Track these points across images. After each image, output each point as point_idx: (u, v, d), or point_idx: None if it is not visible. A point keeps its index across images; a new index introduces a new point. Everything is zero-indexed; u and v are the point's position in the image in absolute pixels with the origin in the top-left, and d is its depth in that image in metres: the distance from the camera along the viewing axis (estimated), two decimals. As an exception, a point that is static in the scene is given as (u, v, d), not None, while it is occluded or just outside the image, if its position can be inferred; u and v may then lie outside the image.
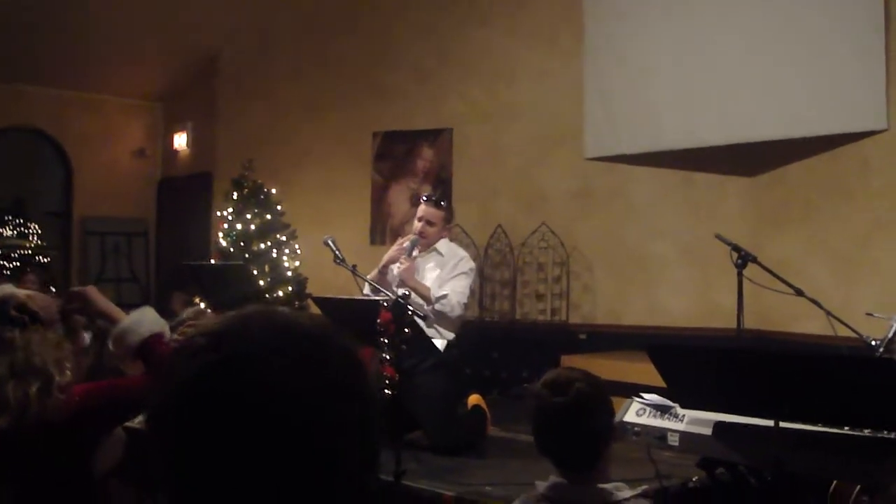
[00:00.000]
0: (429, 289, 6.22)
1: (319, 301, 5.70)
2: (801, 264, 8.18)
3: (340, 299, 5.70)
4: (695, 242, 8.61)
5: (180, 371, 1.03)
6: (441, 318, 6.22)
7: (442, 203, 6.56)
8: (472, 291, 6.60)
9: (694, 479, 5.06)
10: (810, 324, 6.94)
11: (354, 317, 5.15)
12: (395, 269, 6.25)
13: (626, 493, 2.85)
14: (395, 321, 4.72)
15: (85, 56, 11.13)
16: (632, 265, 9.27)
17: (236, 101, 11.57)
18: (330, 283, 7.92)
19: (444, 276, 6.33)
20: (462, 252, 6.61)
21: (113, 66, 11.53)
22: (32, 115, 11.84)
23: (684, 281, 8.79)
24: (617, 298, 9.35)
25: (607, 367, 8.14)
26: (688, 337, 8.49)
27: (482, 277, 9.63)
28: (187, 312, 4.73)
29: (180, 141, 12.44)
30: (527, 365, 8.84)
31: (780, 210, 8.59)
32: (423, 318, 5.18)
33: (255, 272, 8.98)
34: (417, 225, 6.41)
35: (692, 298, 8.76)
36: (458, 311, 6.23)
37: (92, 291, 3.16)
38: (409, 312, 4.84)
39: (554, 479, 2.90)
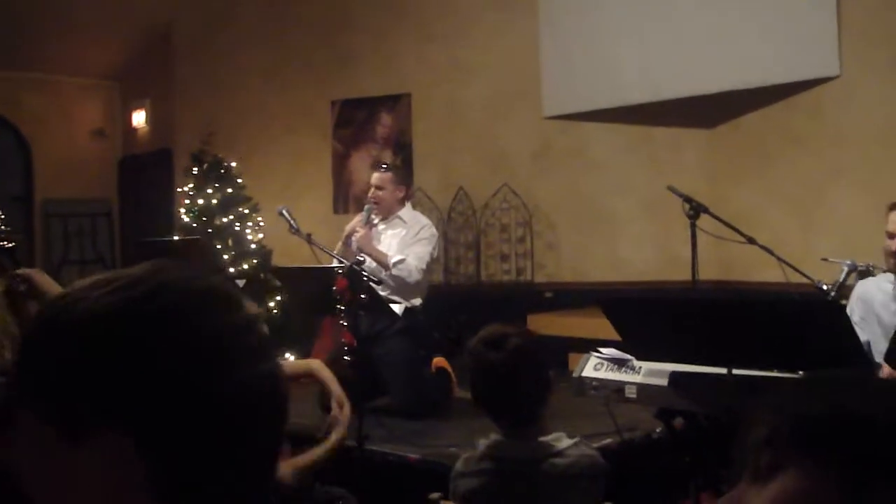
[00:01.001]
0: (386, 255, 6.29)
1: (278, 271, 5.73)
2: (760, 213, 8.24)
3: (297, 268, 5.74)
4: (655, 196, 8.61)
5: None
6: (400, 284, 6.26)
7: (385, 165, 6.65)
8: (434, 258, 6.63)
9: (658, 430, 5.12)
10: (771, 272, 6.96)
11: (312, 285, 5.17)
12: (354, 237, 6.29)
13: (566, 442, 2.86)
14: (351, 287, 4.74)
15: (37, 36, 11.00)
16: (594, 222, 9.30)
17: (193, 76, 11.47)
18: (295, 254, 7.89)
19: (405, 243, 6.38)
20: (424, 220, 6.66)
21: (66, 46, 11.40)
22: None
23: (646, 235, 8.83)
24: (580, 255, 9.39)
25: (574, 324, 8.22)
26: (642, 290, 8.55)
27: (446, 241, 9.64)
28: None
29: (139, 119, 12.33)
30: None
31: (738, 160, 8.63)
32: (378, 283, 5.19)
33: (219, 246, 8.96)
34: (370, 193, 6.52)
35: (654, 252, 8.81)
36: (415, 276, 6.28)
37: (36, 274, 3.15)
38: (365, 278, 4.84)
39: (494, 436, 2.91)
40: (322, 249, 5.51)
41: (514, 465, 2.83)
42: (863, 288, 4.66)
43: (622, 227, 9.17)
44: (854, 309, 4.59)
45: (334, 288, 4.75)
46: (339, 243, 6.32)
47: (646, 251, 8.87)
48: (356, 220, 6.38)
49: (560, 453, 2.82)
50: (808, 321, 3.42)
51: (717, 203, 8.36)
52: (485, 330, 2.99)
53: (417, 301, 6.44)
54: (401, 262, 6.24)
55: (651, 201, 8.73)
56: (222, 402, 1.01)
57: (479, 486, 2.86)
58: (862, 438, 0.96)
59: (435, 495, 2.84)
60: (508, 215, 9.60)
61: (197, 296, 1.05)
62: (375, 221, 6.47)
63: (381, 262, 6.24)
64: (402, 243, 6.39)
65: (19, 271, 3.16)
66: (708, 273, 8.15)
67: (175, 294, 1.03)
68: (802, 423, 0.99)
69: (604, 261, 9.24)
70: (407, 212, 6.57)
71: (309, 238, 5.58)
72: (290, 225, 5.70)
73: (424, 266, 6.36)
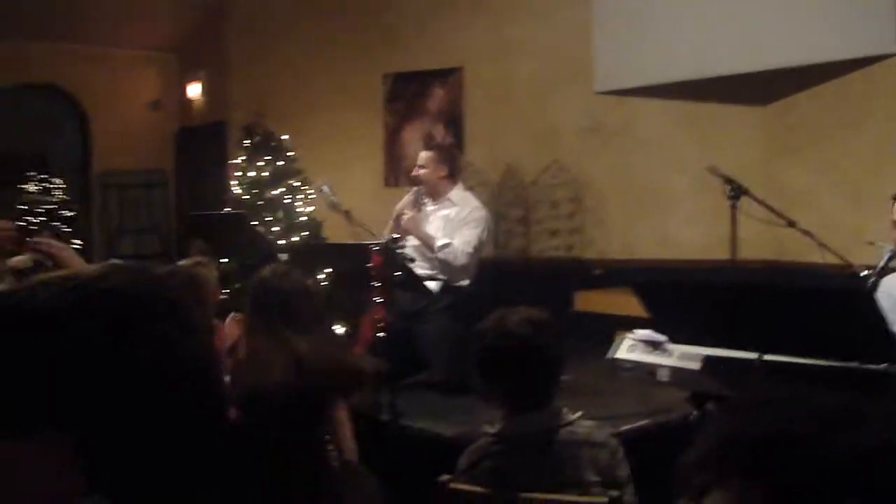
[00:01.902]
0: (433, 238, 6.28)
1: (313, 247, 5.76)
2: (813, 194, 8.15)
3: (332, 244, 5.78)
4: (706, 174, 8.51)
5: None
6: (446, 267, 6.26)
7: (431, 145, 6.64)
8: (484, 240, 6.59)
9: (694, 414, 5.09)
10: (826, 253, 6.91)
11: (346, 261, 5.20)
12: (402, 220, 6.33)
13: (576, 416, 2.89)
14: (386, 264, 4.76)
15: (94, 8, 11.12)
16: (644, 199, 9.24)
17: (247, 49, 11.53)
18: (346, 227, 7.95)
19: (453, 225, 6.37)
20: (474, 201, 6.62)
21: (123, 18, 11.50)
22: (45, 72, 11.86)
23: (696, 213, 8.73)
24: (630, 232, 9.33)
25: (622, 302, 8.13)
26: (676, 271, 8.49)
27: (496, 216, 9.62)
28: (183, 262, 4.78)
29: (194, 91, 12.43)
30: (543, 301, 8.82)
31: (792, 139, 8.52)
32: (412, 260, 5.20)
33: (269, 218, 9.03)
34: (414, 171, 6.55)
35: (704, 230, 8.71)
36: (462, 260, 6.27)
37: (64, 251, 3.18)
38: (400, 255, 4.86)
39: (504, 416, 2.93)
40: (361, 226, 5.53)
41: (529, 438, 2.86)
42: (890, 282, 4.58)
43: (672, 204, 9.09)
44: (883, 299, 4.51)
45: (369, 265, 4.77)
46: (390, 222, 6.34)
47: (695, 230, 8.78)
48: (405, 201, 6.39)
49: (572, 423, 2.84)
50: (836, 308, 3.38)
51: (769, 183, 8.32)
52: (495, 314, 3.00)
53: (465, 282, 6.44)
54: (447, 245, 6.25)
55: (701, 179, 8.55)
56: (156, 404, 1.04)
57: (497, 466, 2.88)
58: (789, 460, 0.96)
59: (445, 477, 2.85)
60: (558, 191, 9.56)
61: (139, 302, 1.07)
62: (426, 202, 6.45)
63: (429, 244, 6.25)
64: (449, 225, 6.38)
65: (42, 246, 3.17)
66: (759, 253, 8.09)
67: (120, 300, 1.05)
68: (731, 445, 1.00)
69: (653, 238, 9.17)
70: (457, 192, 6.54)
71: (348, 214, 5.61)
72: (331, 200, 5.73)
73: (472, 249, 6.34)
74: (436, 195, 6.47)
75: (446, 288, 6.31)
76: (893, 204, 4.28)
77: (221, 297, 5.89)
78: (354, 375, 4.00)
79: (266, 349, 3.83)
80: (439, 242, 6.24)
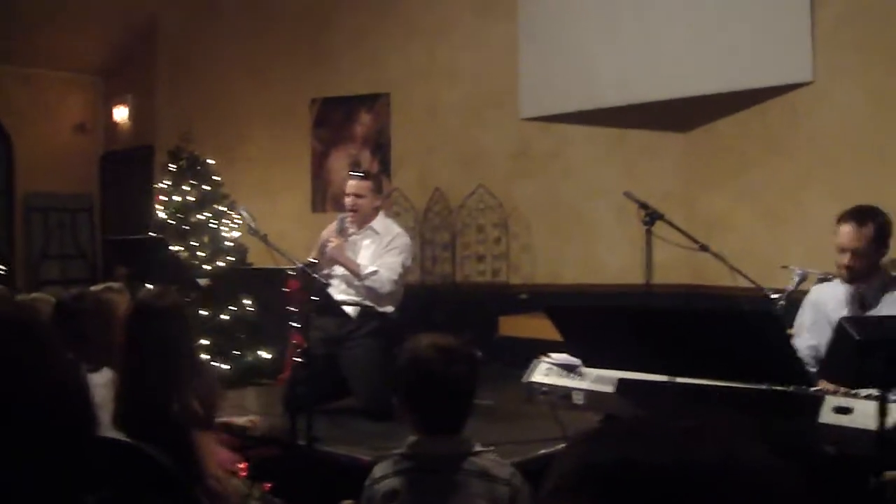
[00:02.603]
0: (358, 265, 6.30)
1: (231, 272, 5.72)
2: (734, 218, 8.28)
3: (249, 269, 5.74)
4: (630, 200, 8.64)
5: None
6: (373, 295, 6.27)
7: (365, 174, 6.64)
8: (408, 267, 6.62)
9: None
10: (739, 278, 7.01)
11: (263, 286, 5.18)
12: (327, 248, 6.30)
13: (482, 448, 2.91)
14: (303, 289, 4.74)
15: (20, 29, 10.99)
16: (570, 224, 9.31)
17: (175, 72, 11.48)
18: (272, 254, 7.92)
19: (378, 253, 6.39)
20: (397, 229, 6.64)
21: (49, 39, 11.39)
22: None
23: (619, 238, 8.80)
24: (556, 258, 9.39)
25: (546, 327, 8.15)
26: (599, 295, 8.61)
27: (422, 240, 9.65)
28: (94, 287, 4.74)
29: (121, 114, 12.33)
30: (468, 326, 8.87)
31: (713, 165, 8.64)
32: (328, 285, 5.19)
33: (195, 243, 8.97)
34: (348, 200, 6.48)
35: (626, 255, 8.78)
36: (387, 287, 6.30)
37: None
38: (317, 279, 4.85)
39: (412, 437, 2.94)
40: (277, 251, 5.51)
41: (435, 462, 2.87)
42: (816, 293, 4.68)
43: (597, 230, 9.17)
44: (806, 312, 4.60)
45: (286, 290, 4.76)
46: (315, 251, 6.33)
47: (618, 255, 8.85)
48: (330, 229, 6.39)
49: (478, 454, 2.86)
50: (744, 331, 3.42)
51: (691, 208, 8.44)
52: (432, 337, 3.01)
53: (390, 308, 6.45)
54: (373, 273, 6.26)
55: (626, 205, 8.69)
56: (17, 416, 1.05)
57: (400, 485, 2.89)
58: (643, 487, 0.96)
59: (348, 502, 2.85)
60: (485, 216, 9.60)
61: None
62: (351, 231, 6.45)
63: (354, 272, 6.27)
64: (374, 254, 6.40)
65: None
66: (678, 278, 8.19)
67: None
68: (583, 472, 1.00)
69: (579, 263, 9.24)
70: (380, 221, 6.55)
71: (265, 238, 5.58)
72: (249, 225, 5.71)
73: (396, 276, 6.36)
74: (362, 223, 6.47)
75: (372, 313, 6.31)
76: (838, 226, 4.35)
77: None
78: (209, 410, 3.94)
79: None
80: (365, 270, 6.25)
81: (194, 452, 3.70)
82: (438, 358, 2.91)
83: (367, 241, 6.47)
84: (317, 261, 5.09)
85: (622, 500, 0.97)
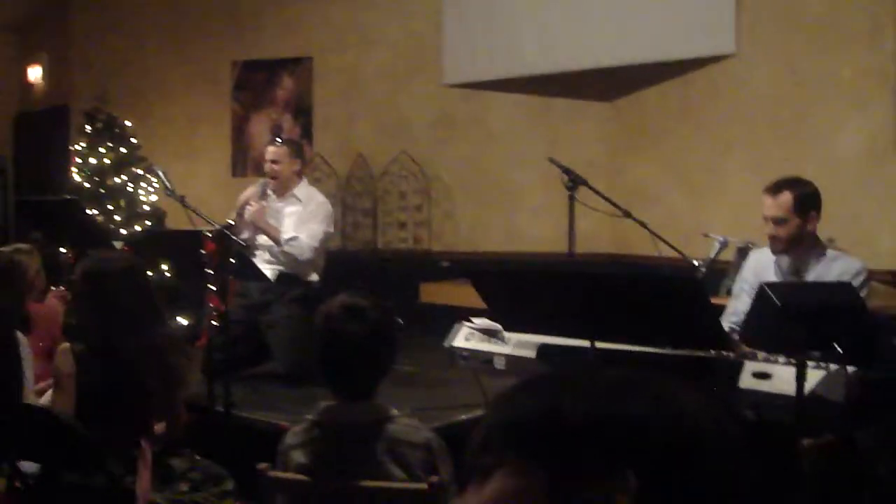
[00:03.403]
0: (278, 231, 6.25)
1: (147, 234, 5.62)
2: (656, 188, 8.33)
3: (165, 231, 5.66)
4: (553, 168, 8.63)
5: None
6: (292, 261, 6.23)
7: (279, 139, 6.60)
8: (330, 235, 6.59)
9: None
10: (660, 246, 7.06)
11: (180, 248, 5.09)
12: (246, 212, 6.25)
13: (396, 412, 2.87)
14: (219, 251, 4.66)
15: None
16: (492, 192, 9.30)
17: (92, 30, 11.19)
18: (190, 218, 7.80)
19: (301, 220, 6.33)
20: (320, 196, 6.60)
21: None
22: None
23: (542, 207, 8.81)
24: (478, 225, 9.39)
25: (468, 294, 8.16)
26: (521, 263, 8.60)
27: (344, 207, 9.57)
28: (5, 248, 4.64)
29: (35, 74, 12.00)
30: (389, 293, 8.83)
31: (636, 135, 8.69)
32: (247, 247, 5.12)
33: (111, 207, 8.82)
34: (266, 167, 6.46)
35: (549, 224, 8.79)
36: (307, 255, 6.26)
37: None
38: (234, 242, 4.77)
39: (325, 402, 2.90)
40: (194, 212, 5.41)
41: (348, 428, 2.83)
42: (756, 258, 4.68)
43: (519, 198, 9.18)
44: (746, 278, 4.62)
45: (202, 251, 4.68)
46: (234, 213, 6.27)
47: (541, 223, 8.86)
48: (249, 192, 6.32)
49: (392, 419, 2.82)
50: (664, 296, 3.42)
51: (615, 177, 8.47)
52: (342, 297, 2.96)
53: (314, 277, 6.41)
54: (293, 239, 6.22)
55: (549, 173, 8.69)
56: None
57: (311, 453, 2.84)
58: (568, 437, 0.97)
59: (264, 465, 2.79)
60: (407, 183, 9.55)
61: None
62: (270, 194, 6.39)
63: (273, 237, 6.22)
64: (298, 221, 6.34)
65: None
66: (601, 247, 8.23)
67: None
68: (510, 426, 1.01)
69: (501, 231, 9.25)
70: (302, 189, 6.50)
71: (183, 200, 5.48)
72: (165, 186, 5.60)
73: (317, 244, 6.32)
74: (284, 190, 6.41)
75: (295, 281, 6.28)
76: (764, 198, 4.37)
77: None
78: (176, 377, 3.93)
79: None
80: (285, 236, 6.19)
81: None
82: (345, 316, 2.86)
83: (290, 209, 6.42)
84: (234, 223, 5.00)
85: (550, 451, 0.96)
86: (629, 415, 0.96)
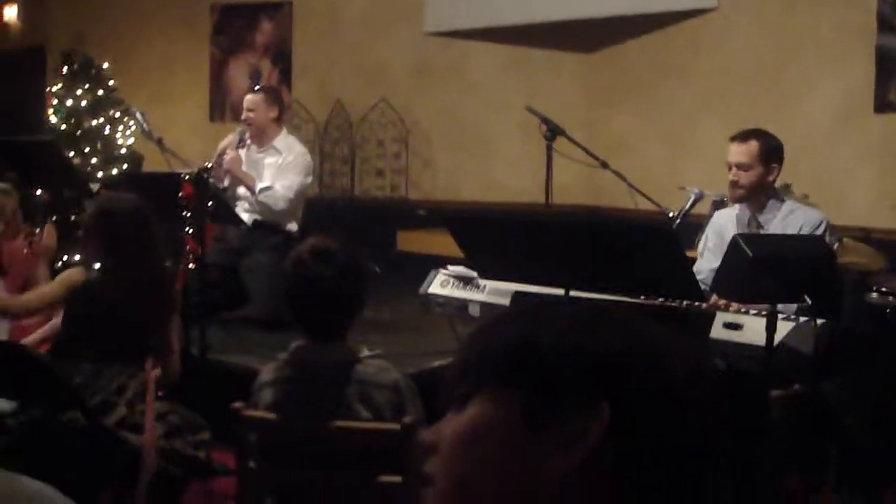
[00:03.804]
0: (253, 179, 6.26)
1: (124, 178, 5.62)
2: (635, 140, 8.35)
3: (142, 174, 5.65)
4: (532, 119, 8.61)
5: None
6: (266, 210, 6.24)
7: (258, 88, 6.59)
8: (305, 186, 6.55)
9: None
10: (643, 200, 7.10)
11: (157, 191, 5.08)
12: (223, 160, 6.26)
13: (367, 353, 2.91)
14: (196, 195, 4.67)
15: None
16: (470, 141, 9.30)
17: (69, -31, 11.07)
18: (168, 162, 7.79)
19: (279, 171, 6.36)
20: (299, 147, 6.58)
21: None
22: None
23: (520, 157, 8.81)
24: (456, 174, 9.40)
25: (444, 242, 8.18)
26: (490, 208, 8.67)
27: (322, 154, 9.56)
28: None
29: (10, 13, 11.82)
30: (366, 241, 8.85)
31: (616, 87, 8.70)
32: (224, 191, 5.13)
33: (87, 149, 8.76)
34: (243, 116, 6.44)
35: (527, 174, 8.79)
36: (281, 205, 6.27)
37: None
38: (212, 185, 4.78)
39: (298, 343, 2.93)
40: (172, 154, 5.41)
41: (318, 369, 2.87)
42: (717, 217, 4.76)
43: (497, 148, 9.18)
44: (708, 236, 4.69)
45: (180, 195, 4.68)
46: (213, 161, 6.28)
47: (518, 173, 8.86)
48: (228, 140, 6.32)
49: (360, 360, 2.86)
50: (639, 246, 3.45)
51: (592, 129, 8.48)
52: (311, 241, 2.98)
53: (293, 226, 6.42)
54: (268, 188, 6.24)
55: (527, 123, 8.69)
56: None
57: (282, 392, 2.88)
58: (544, 365, 0.98)
59: (238, 405, 2.82)
60: (385, 130, 9.53)
61: None
62: (250, 144, 6.39)
63: (249, 186, 6.24)
64: (276, 172, 6.36)
65: None
66: (578, 198, 8.26)
67: None
68: (487, 354, 1.02)
69: (478, 181, 9.25)
70: (282, 140, 6.49)
71: (160, 143, 5.48)
72: (143, 128, 5.59)
73: (293, 195, 6.32)
74: (263, 139, 6.41)
75: (273, 228, 6.30)
76: (729, 145, 4.45)
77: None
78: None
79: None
80: (260, 185, 6.20)
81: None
82: (312, 259, 2.89)
83: (269, 160, 6.43)
84: (212, 168, 5.01)
85: (526, 379, 0.98)
86: (606, 348, 0.98)
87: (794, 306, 3.67)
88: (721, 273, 3.68)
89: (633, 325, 1.03)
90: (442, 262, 7.30)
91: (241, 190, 6.26)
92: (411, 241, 8.64)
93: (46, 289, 4.17)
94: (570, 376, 0.97)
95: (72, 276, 4.02)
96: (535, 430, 0.96)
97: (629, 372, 0.97)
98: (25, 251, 4.86)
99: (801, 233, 4.24)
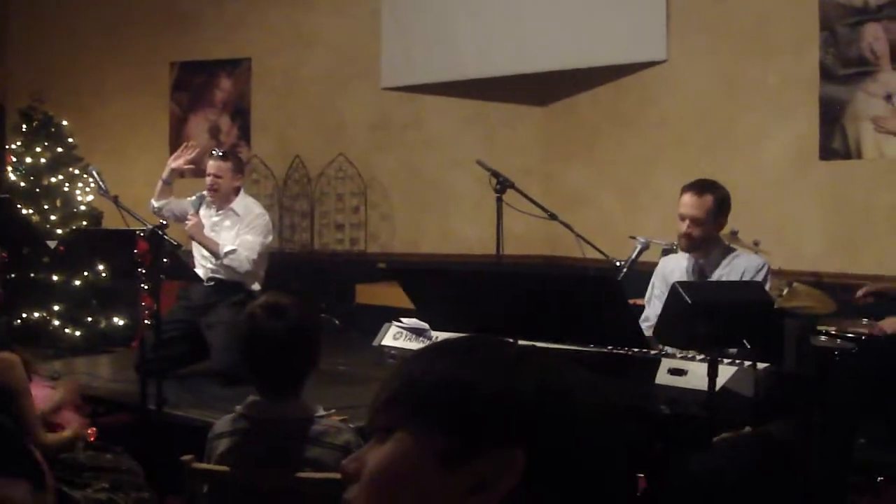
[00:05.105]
0: (217, 244, 6.35)
1: (79, 233, 5.65)
2: (590, 191, 8.47)
3: (97, 230, 5.69)
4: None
5: None
6: (232, 273, 6.32)
7: (224, 154, 6.69)
8: (266, 247, 6.64)
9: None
10: (589, 249, 7.18)
11: (112, 248, 5.12)
12: (185, 226, 6.36)
13: (321, 411, 2.94)
14: (152, 251, 4.70)
15: None
16: (428, 194, 9.39)
17: (29, 26, 11.07)
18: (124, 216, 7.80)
19: (239, 233, 6.46)
20: (257, 209, 6.69)
21: None
22: None
23: (477, 209, 8.90)
24: (414, 228, 9.48)
25: (402, 295, 8.22)
26: (434, 262, 8.86)
27: (281, 208, 9.62)
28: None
29: (-30, 71, 11.89)
30: (326, 295, 8.92)
31: (570, 139, 8.83)
32: (179, 246, 5.16)
33: (46, 207, 8.80)
34: (208, 180, 6.53)
35: (483, 226, 8.87)
36: (246, 266, 6.37)
37: None
38: (167, 241, 4.82)
39: (252, 397, 2.96)
40: (127, 212, 5.45)
41: (270, 424, 2.89)
42: (664, 264, 4.88)
43: (455, 201, 9.27)
44: (655, 283, 4.80)
45: (135, 251, 4.71)
46: (160, 183, 6.56)
47: (475, 225, 8.95)
48: (180, 151, 6.65)
49: (313, 419, 2.89)
50: (582, 295, 3.53)
51: (549, 181, 8.60)
52: (267, 296, 3.03)
53: (256, 287, 6.50)
54: (232, 252, 6.33)
55: (483, 176, 8.78)
56: None
57: (234, 445, 2.91)
58: (461, 412, 1.02)
59: (187, 457, 2.86)
60: (344, 185, 9.61)
61: None
62: (206, 207, 6.51)
63: (213, 251, 6.33)
64: (235, 236, 6.46)
65: None
66: (532, 249, 8.36)
67: None
68: (413, 388, 1.06)
69: (436, 234, 9.34)
70: (240, 203, 6.59)
71: (116, 200, 5.52)
72: (99, 186, 5.64)
73: (255, 256, 6.42)
74: (223, 203, 6.50)
75: (236, 286, 6.41)
76: (680, 196, 4.56)
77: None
78: None
79: None
80: (225, 249, 6.27)
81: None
82: (265, 315, 2.93)
83: (227, 223, 6.53)
84: (165, 223, 5.04)
85: (436, 416, 1.02)
86: (523, 394, 1.02)
87: (735, 351, 3.76)
88: (662, 320, 3.76)
89: (549, 370, 1.06)
90: (400, 314, 7.38)
91: (204, 250, 6.34)
92: (370, 294, 8.69)
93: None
94: (489, 423, 1.00)
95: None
96: (452, 472, 1.00)
97: (543, 419, 1.01)
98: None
99: (744, 278, 4.34)
